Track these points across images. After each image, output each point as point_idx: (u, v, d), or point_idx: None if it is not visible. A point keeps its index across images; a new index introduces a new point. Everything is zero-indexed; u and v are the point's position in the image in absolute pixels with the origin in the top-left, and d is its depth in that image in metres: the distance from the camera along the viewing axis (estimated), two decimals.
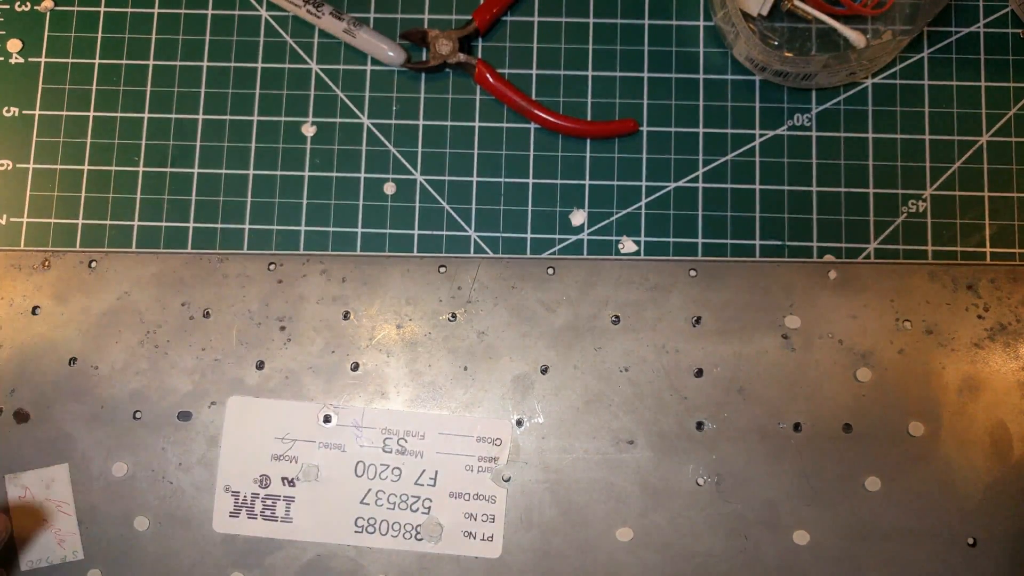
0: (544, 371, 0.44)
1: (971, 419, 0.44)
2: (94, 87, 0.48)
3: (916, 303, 0.45)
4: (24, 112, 0.48)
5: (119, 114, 0.48)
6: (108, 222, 0.47)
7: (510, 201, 0.47)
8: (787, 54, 0.47)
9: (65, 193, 0.47)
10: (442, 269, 0.45)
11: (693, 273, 0.45)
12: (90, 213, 0.47)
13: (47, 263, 0.46)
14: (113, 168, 0.48)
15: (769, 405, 0.44)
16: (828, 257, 0.46)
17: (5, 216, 0.47)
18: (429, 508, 0.43)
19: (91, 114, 0.48)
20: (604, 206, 0.47)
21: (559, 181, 0.47)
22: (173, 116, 0.48)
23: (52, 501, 0.44)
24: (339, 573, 0.43)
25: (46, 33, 0.49)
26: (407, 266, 0.45)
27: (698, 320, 0.44)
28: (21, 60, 0.49)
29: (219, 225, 0.47)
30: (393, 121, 0.48)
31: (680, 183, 0.47)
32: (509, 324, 0.45)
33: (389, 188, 0.47)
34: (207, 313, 0.45)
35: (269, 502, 0.44)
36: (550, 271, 0.45)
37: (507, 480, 0.44)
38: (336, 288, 0.45)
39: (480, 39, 0.48)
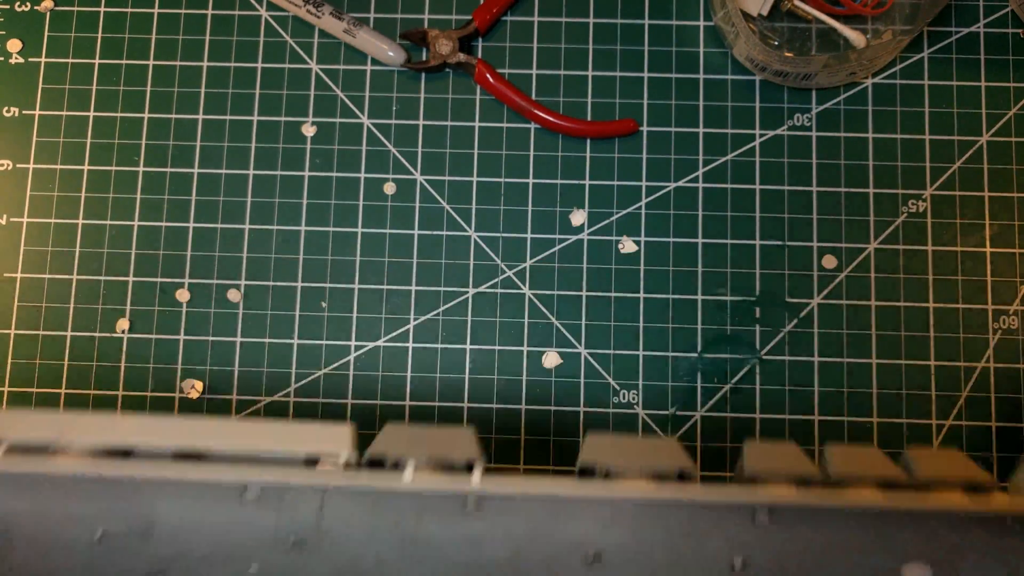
0: None
1: None
2: (94, 87, 0.48)
3: None
4: (24, 112, 0.48)
5: (119, 114, 0.48)
6: (108, 222, 0.47)
7: (510, 201, 0.47)
8: (787, 54, 0.47)
9: (65, 193, 0.47)
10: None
11: None
12: (90, 213, 0.47)
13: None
14: (113, 168, 0.48)
15: None
16: (828, 257, 0.46)
17: (5, 216, 0.47)
18: None
19: (91, 114, 0.48)
20: (604, 206, 0.47)
21: (559, 181, 0.47)
22: (173, 116, 0.48)
23: None
24: None
25: (46, 33, 0.49)
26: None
27: None
28: (21, 60, 0.49)
29: (219, 225, 0.47)
30: (393, 121, 0.48)
31: (680, 183, 0.47)
32: None
33: (389, 188, 0.47)
34: None
35: None
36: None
37: None
38: None
39: (480, 39, 0.48)
